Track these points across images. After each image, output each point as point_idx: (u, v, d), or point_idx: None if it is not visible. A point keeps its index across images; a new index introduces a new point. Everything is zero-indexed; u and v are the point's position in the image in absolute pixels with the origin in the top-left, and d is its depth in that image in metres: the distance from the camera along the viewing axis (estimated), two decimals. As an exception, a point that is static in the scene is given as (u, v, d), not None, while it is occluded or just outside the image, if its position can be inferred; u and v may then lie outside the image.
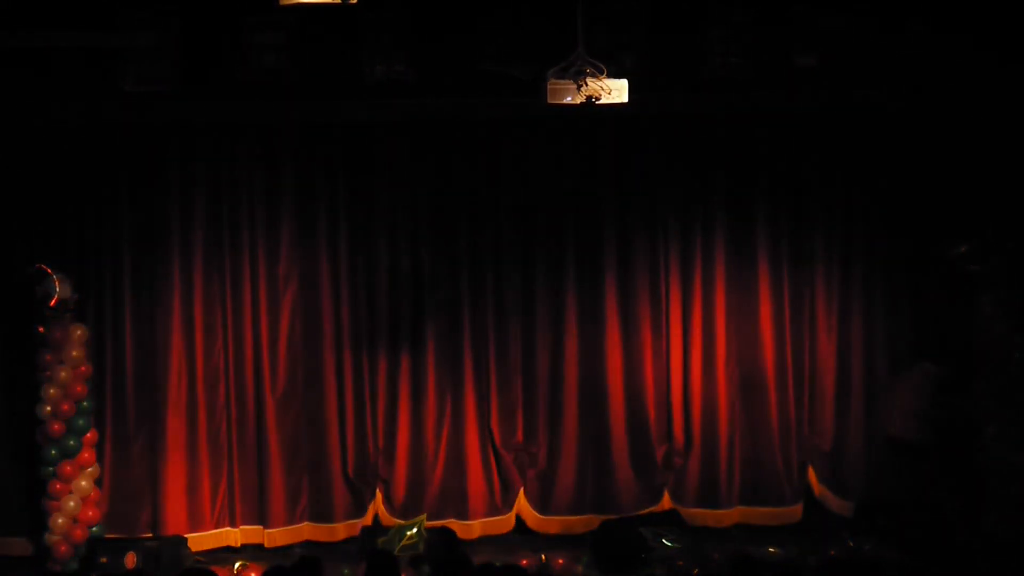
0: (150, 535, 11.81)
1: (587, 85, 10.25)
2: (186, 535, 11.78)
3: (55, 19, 10.65)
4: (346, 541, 12.29)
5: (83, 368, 11.59)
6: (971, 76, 11.77)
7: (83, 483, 11.53)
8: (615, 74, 10.39)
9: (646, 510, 12.56)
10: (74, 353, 11.52)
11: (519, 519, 12.67)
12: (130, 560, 11.04)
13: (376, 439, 12.61)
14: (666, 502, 12.70)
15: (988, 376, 12.57)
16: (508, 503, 12.69)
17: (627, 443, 12.74)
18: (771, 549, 11.57)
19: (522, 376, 12.87)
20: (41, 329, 11.51)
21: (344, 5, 8.94)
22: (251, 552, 11.96)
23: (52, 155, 11.91)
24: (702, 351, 12.92)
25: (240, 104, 11.94)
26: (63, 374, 11.46)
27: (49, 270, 11.38)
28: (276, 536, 12.22)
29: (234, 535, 12.21)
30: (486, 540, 12.35)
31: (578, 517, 12.57)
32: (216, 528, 12.20)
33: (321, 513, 12.38)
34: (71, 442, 11.46)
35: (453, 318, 12.80)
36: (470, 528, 12.39)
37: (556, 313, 12.89)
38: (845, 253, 13.15)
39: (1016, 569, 10.52)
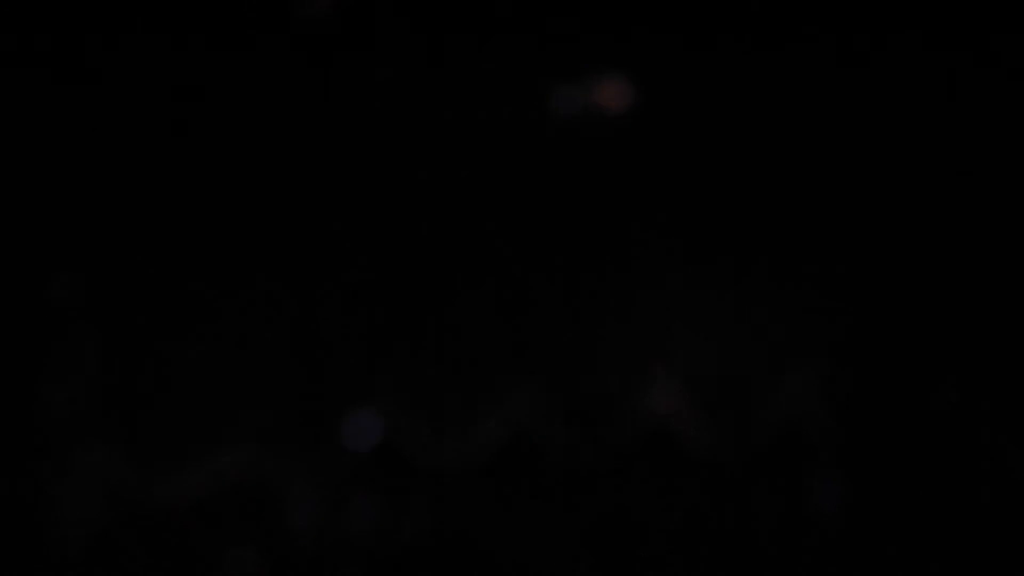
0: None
1: (587, 86, 10.24)
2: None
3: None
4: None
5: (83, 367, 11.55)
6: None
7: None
8: (615, 74, 10.37)
9: None
10: (74, 353, 11.48)
11: None
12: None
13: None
14: None
15: (984, 376, 12.58)
16: None
17: None
18: (773, 543, 11.54)
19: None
20: (41, 329, 11.45)
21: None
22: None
23: (51, 155, 11.88)
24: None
25: (238, 105, 11.96)
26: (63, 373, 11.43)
27: (49, 270, 11.33)
28: None
29: None
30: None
31: None
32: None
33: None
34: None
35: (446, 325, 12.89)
36: None
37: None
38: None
39: (1013, 568, 10.51)
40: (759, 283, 12.33)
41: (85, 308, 10.38)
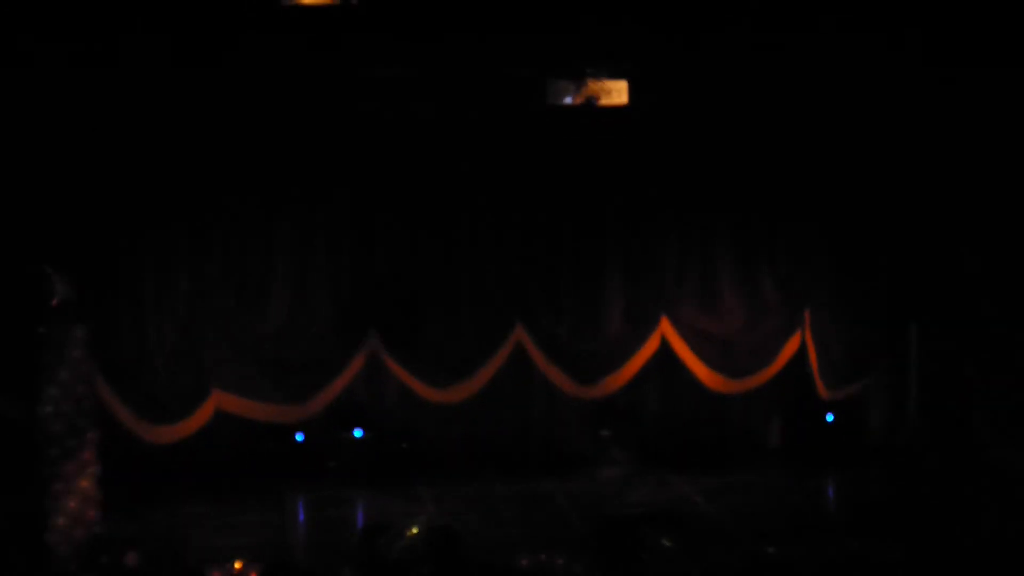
0: (150, 535, 11.83)
1: (587, 85, 10.28)
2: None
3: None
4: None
5: (83, 368, 11.57)
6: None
7: (83, 483, 11.52)
8: (615, 74, 10.42)
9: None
10: (74, 353, 11.51)
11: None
12: (130, 560, 11.02)
13: None
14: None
15: (987, 376, 12.63)
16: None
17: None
18: (771, 550, 11.57)
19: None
20: (41, 329, 11.49)
21: (344, 5, 8.94)
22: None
23: (56, 157, 11.92)
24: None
25: (239, 104, 11.98)
26: (63, 374, 11.45)
27: (50, 270, 11.38)
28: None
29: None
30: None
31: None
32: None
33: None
34: (71, 442, 11.45)
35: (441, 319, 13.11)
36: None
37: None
38: (843, 248, 13.37)
39: (1016, 569, 10.53)
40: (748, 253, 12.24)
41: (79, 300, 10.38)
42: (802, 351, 14.12)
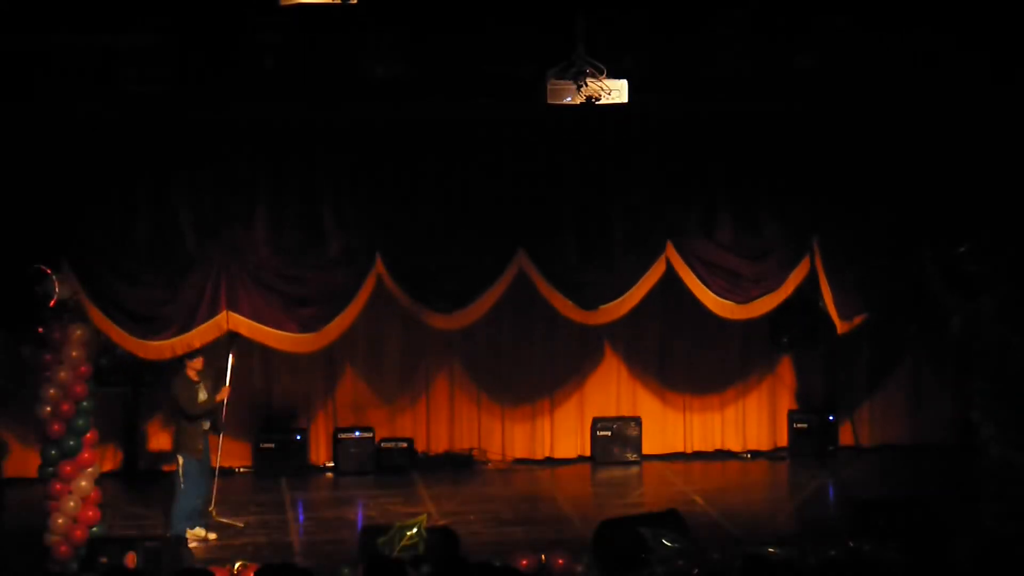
0: (150, 535, 11.82)
1: (587, 85, 10.28)
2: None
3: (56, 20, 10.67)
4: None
5: (83, 368, 11.57)
6: (965, 76, 11.82)
7: (83, 483, 11.51)
8: (615, 74, 10.41)
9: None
10: (74, 353, 11.51)
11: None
12: (130, 560, 11.02)
13: None
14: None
15: (987, 376, 12.61)
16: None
17: None
18: (771, 550, 11.57)
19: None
20: (41, 329, 11.49)
21: (344, 5, 8.93)
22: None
23: (56, 155, 11.89)
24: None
25: (241, 105, 11.95)
26: (63, 374, 11.45)
27: (49, 270, 11.38)
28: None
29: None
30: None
31: None
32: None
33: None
34: (71, 442, 11.45)
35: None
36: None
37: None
38: (845, 248, 13.30)
39: (1016, 569, 10.52)
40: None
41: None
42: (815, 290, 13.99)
